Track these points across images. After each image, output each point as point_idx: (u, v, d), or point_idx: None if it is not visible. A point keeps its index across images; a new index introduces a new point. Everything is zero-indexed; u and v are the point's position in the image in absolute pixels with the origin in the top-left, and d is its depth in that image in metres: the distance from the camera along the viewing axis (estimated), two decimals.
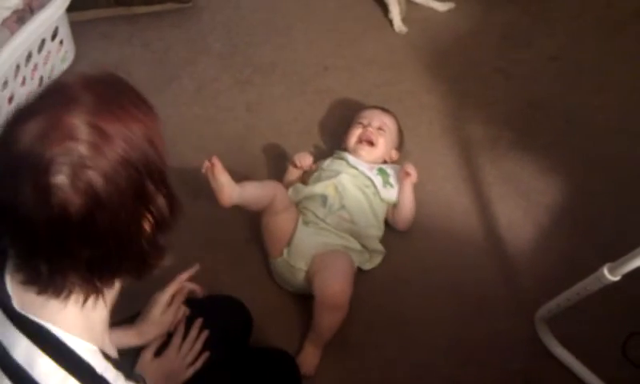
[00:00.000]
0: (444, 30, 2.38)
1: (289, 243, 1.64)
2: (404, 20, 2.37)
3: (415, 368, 1.58)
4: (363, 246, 1.70)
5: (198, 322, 1.30)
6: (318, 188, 1.73)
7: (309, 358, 1.54)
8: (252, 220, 1.75)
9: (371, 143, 1.82)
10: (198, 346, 1.28)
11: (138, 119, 0.76)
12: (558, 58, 2.29)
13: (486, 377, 1.57)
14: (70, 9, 2.05)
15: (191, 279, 1.32)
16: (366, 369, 1.58)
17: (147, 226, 0.78)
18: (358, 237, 1.69)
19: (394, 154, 1.88)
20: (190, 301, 1.33)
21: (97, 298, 0.79)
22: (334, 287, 1.52)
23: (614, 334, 1.57)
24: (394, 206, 1.77)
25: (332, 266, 1.57)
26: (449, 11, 2.44)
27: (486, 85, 2.21)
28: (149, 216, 0.77)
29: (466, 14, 2.44)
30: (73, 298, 0.77)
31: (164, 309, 1.26)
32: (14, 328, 0.76)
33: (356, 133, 1.85)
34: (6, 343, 0.76)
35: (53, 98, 0.74)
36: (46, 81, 2.08)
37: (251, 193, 1.59)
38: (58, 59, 2.11)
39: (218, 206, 1.56)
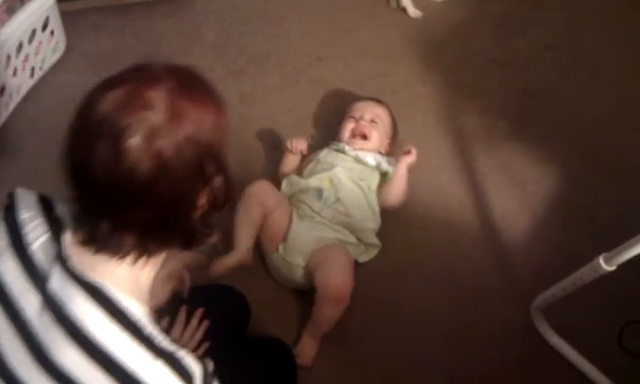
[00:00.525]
0: (439, 20, 2.37)
1: (284, 239, 1.63)
2: (398, 8, 2.36)
3: (412, 358, 1.58)
4: (359, 239, 1.69)
5: (199, 311, 1.30)
6: (314, 181, 1.72)
7: (306, 349, 1.54)
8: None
9: (364, 136, 1.81)
10: (199, 335, 1.28)
11: (210, 109, 0.83)
12: (554, 47, 2.29)
13: (482, 367, 1.57)
14: None
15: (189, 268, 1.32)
16: (362, 359, 1.57)
17: (202, 203, 0.84)
18: (354, 230, 1.69)
19: (388, 145, 1.87)
20: (191, 290, 1.32)
21: (146, 261, 0.85)
22: (337, 280, 1.53)
23: (609, 323, 1.58)
24: (385, 182, 1.76)
25: (332, 260, 1.57)
26: (444, 1, 2.43)
27: (481, 75, 2.20)
28: (205, 194, 0.84)
29: (461, 3, 2.43)
30: (127, 259, 0.83)
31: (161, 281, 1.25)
32: (71, 285, 0.82)
33: (349, 127, 1.83)
34: (63, 298, 0.81)
35: (138, 74, 0.82)
36: (37, 72, 2.06)
37: (252, 234, 1.61)
38: (49, 50, 2.09)
39: None
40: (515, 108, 2.11)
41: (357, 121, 1.83)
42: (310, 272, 1.59)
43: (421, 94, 2.13)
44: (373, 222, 1.73)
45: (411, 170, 1.76)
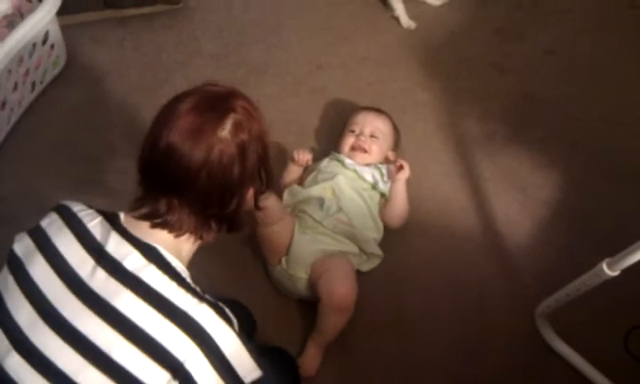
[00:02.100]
0: (438, 26, 2.37)
1: (287, 252, 1.63)
2: (394, 17, 2.36)
3: (415, 366, 1.57)
4: (361, 249, 1.69)
5: None
6: (315, 191, 1.72)
7: (310, 360, 1.53)
8: (247, 223, 1.73)
9: (364, 151, 1.81)
10: None
11: (262, 120, 1.07)
12: (553, 51, 2.28)
13: (486, 373, 1.57)
14: (60, 12, 2.03)
15: None
16: (365, 368, 1.57)
17: (251, 194, 1.07)
18: (356, 240, 1.68)
19: (391, 155, 1.87)
20: None
21: (195, 239, 1.04)
22: (342, 289, 1.53)
23: (614, 328, 1.57)
24: (385, 202, 1.76)
25: (335, 269, 1.57)
26: (442, 6, 2.43)
27: (481, 80, 2.20)
28: (258, 181, 1.06)
29: (460, 9, 2.43)
30: (182, 237, 1.02)
31: None
32: (126, 245, 0.97)
33: (348, 142, 1.83)
34: (119, 257, 0.96)
35: (217, 95, 1.05)
36: (38, 86, 2.07)
37: None
38: (50, 64, 2.09)
39: None
40: (515, 113, 2.11)
41: (357, 136, 1.83)
42: (313, 283, 1.59)
43: (421, 101, 2.13)
44: (374, 232, 1.73)
45: (411, 178, 1.75)
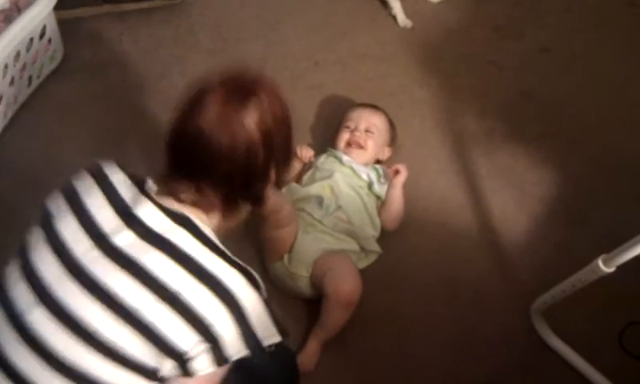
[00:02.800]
0: (436, 23, 2.37)
1: (289, 250, 1.63)
2: (391, 15, 2.36)
3: (412, 363, 1.58)
4: (361, 247, 1.69)
5: None
6: (314, 189, 1.72)
7: (311, 355, 1.54)
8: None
9: (360, 146, 1.81)
10: None
11: (285, 104, 1.08)
12: (550, 49, 2.29)
13: (483, 370, 1.57)
14: (58, 7, 2.02)
15: None
16: (363, 365, 1.57)
17: (273, 173, 1.08)
18: (356, 237, 1.68)
19: (387, 151, 1.87)
20: None
21: (222, 215, 1.06)
22: (348, 286, 1.54)
23: (610, 325, 1.58)
24: (382, 204, 1.76)
25: (340, 267, 1.58)
26: (441, 3, 2.43)
27: (479, 77, 2.20)
28: (281, 161, 1.09)
29: (458, 6, 2.43)
30: (210, 214, 1.04)
31: None
32: (156, 209, 1.00)
33: (344, 137, 1.83)
34: (149, 222, 0.99)
35: (244, 81, 1.05)
36: (35, 80, 2.06)
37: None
38: (47, 58, 2.09)
39: None
40: (513, 110, 2.11)
41: (352, 131, 1.83)
42: (315, 281, 1.59)
43: (418, 97, 2.13)
44: (372, 229, 1.73)
45: (408, 176, 1.77)
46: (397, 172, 1.74)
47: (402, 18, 2.34)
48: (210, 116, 0.99)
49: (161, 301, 0.93)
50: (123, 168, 1.08)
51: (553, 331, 1.59)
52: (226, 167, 1.01)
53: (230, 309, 0.96)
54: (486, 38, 2.33)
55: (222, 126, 0.99)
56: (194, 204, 1.02)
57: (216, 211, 1.04)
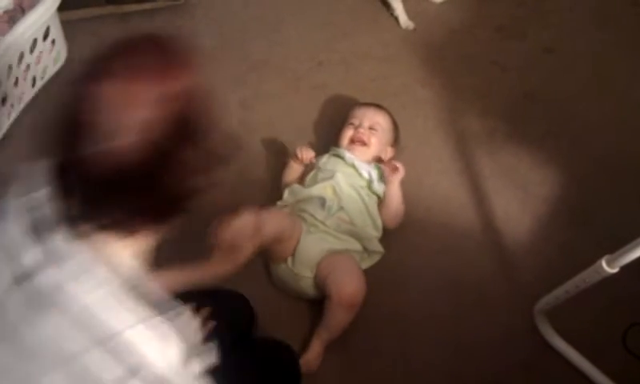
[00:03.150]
0: (439, 23, 2.37)
1: (293, 253, 1.63)
2: (393, 16, 2.36)
3: (415, 363, 1.58)
4: (364, 247, 1.70)
5: (206, 310, 1.30)
6: (316, 190, 1.72)
7: (314, 355, 1.54)
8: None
9: (363, 143, 1.81)
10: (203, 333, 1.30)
11: (191, 81, 0.85)
12: (553, 49, 2.28)
13: (486, 371, 1.57)
14: (61, 8, 2.03)
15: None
16: (365, 365, 1.57)
17: (178, 174, 0.85)
18: (359, 238, 1.69)
19: (390, 151, 1.87)
20: (195, 293, 1.34)
21: (134, 238, 0.87)
22: (351, 287, 1.54)
23: (613, 325, 1.57)
24: (381, 202, 1.76)
25: (343, 268, 1.59)
26: (443, 3, 2.43)
27: (482, 77, 2.20)
28: (181, 165, 0.84)
29: (461, 6, 2.43)
30: (115, 234, 0.85)
31: None
32: (54, 252, 0.82)
33: (348, 134, 1.83)
34: (41, 270, 0.82)
35: (120, 59, 0.84)
36: (38, 82, 2.07)
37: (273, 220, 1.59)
38: (51, 59, 2.10)
39: (212, 204, 1.54)
40: (516, 110, 2.11)
41: (355, 128, 1.83)
42: (319, 282, 1.59)
43: (421, 97, 2.13)
44: (373, 229, 1.73)
45: (411, 176, 1.76)
46: (395, 169, 1.73)
47: (404, 20, 2.34)
48: (92, 107, 0.81)
49: (62, 368, 0.79)
50: (28, 188, 0.91)
51: (556, 332, 1.59)
52: (105, 178, 0.81)
53: (136, 374, 0.79)
54: (489, 38, 2.32)
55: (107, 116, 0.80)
56: (98, 225, 0.84)
57: (124, 234, 0.85)
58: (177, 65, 0.86)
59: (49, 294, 0.80)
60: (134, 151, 0.79)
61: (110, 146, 0.79)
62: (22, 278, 0.82)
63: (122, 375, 0.78)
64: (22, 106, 2.03)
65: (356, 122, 1.85)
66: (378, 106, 1.91)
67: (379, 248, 1.72)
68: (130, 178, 0.81)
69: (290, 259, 1.63)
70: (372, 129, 1.83)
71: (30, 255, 0.83)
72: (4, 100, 1.91)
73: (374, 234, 1.73)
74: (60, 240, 0.83)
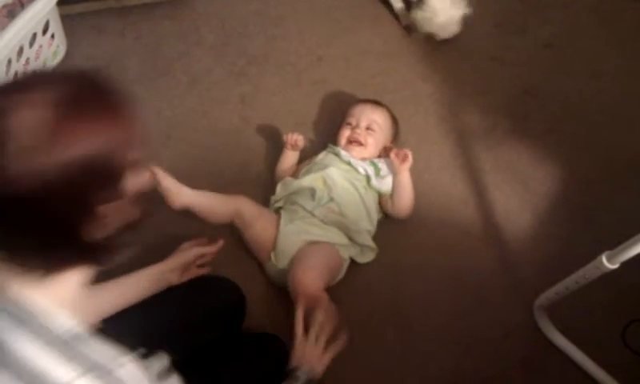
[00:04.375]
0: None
1: (274, 247, 1.63)
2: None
3: (414, 359, 1.58)
4: (352, 239, 1.68)
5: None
6: (306, 181, 1.72)
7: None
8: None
9: (360, 144, 1.81)
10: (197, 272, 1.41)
11: (103, 126, 0.76)
12: (553, 45, 2.28)
13: (485, 366, 1.57)
14: (61, 2, 2.02)
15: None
16: (364, 360, 1.57)
17: (94, 225, 0.78)
18: (347, 230, 1.68)
19: (389, 147, 1.87)
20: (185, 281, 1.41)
21: (54, 277, 0.80)
22: (301, 275, 1.50)
23: (613, 322, 1.58)
24: (391, 196, 1.76)
25: (309, 257, 1.57)
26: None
27: (482, 73, 2.20)
28: (96, 217, 0.77)
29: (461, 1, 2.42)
30: (35, 275, 0.78)
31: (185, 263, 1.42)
32: None
33: (345, 134, 1.83)
34: None
35: (25, 84, 0.75)
36: None
37: (204, 202, 1.68)
38: (50, 53, 2.09)
39: None
40: (516, 106, 2.10)
41: (352, 128, 1.83)
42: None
43: (422, 93, 2.13)
44: (367, 223, 1.72)
45: (410, 172, 1.75)
46: (404, 158, 1.72)
47: (403, 16, 2.33)
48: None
49: None
50: None
51: (556, 328, 1.59)
52: (17, 216, 0.75)
53: None
54: (489, 33, 2.32)
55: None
56: (13, 265, 0.78)
57: (43, 274, 0.79)
58: (115, 110, 0.79)
59: None
60: (50, 182, 0.72)
61: (26, 167, 0.71)
62: None
63: None
64: None
65: (353, 121, 1.84)
66: (377, 103, 1.91)
67: (370, 242, 1.71)
68: (40, 209, 0.74)
69: (272, 255, 1.63)
70: (369, 129, 1.83)
71: None
72: None
73: (368, 227, 1.72)
74: None
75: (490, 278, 1.71)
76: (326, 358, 1.35)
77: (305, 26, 2.32)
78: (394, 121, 1.91)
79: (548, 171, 1.93)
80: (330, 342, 1.36)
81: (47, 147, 0.71)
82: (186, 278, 1.43)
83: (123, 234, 0.83)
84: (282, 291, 1.63)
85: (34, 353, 0.74)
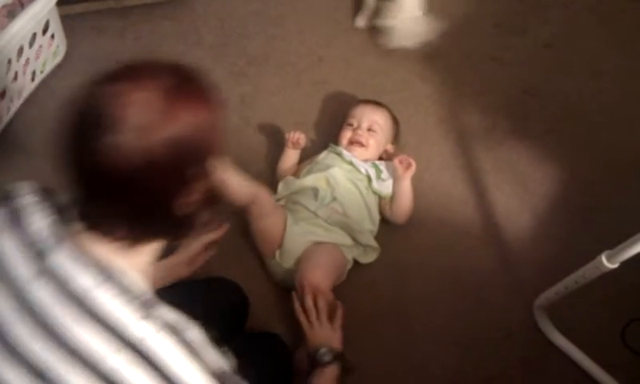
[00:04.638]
0: (438, 19, 2.36)
1: (280, 245, 1.63)
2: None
3: (415, 359, 1.58)
4: (356, 240, 1.69)
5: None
6: (309, 181, 1.72)
7: (303, 356, 1.51)
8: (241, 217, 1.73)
9: (362, 145, 1.81)
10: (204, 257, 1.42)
11: (203, 111, 0.86)
12: (553, 45, 2.28)
13: (485, 366, 1.57)
14: (60, 2, 2.02)
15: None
16: (365, 360, 1.57)
17: (187, 200, 0.87)
18: (350, 230, 1.68)
19: (390, 148, 1.87)
20: (189, 282, 1.40)
21: (141, 248, 0.89)
22: (309, 275, 1.51)
23: (613, 321, 1.58)
24: (390, 200, 1.76)
25: (315, 257, 1.58)
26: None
27: (481, 73, 2.20)
28: (190, 192, 0.86)
29: (460, 2, 2.42)
30: (121, 245, 0.87)
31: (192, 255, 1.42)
32: (77, 261, 0.84)
33: (346, 135, 1.83)
34: (69, 273, 0.84)
35: (137, 71, 0.84)
36: (38, 76, 2.06)
37: (233, 177, 1.63)
38: (50, 54, 2.09)
39: None
40: (516, 106, 2.11)
41: (354, 130, 1.83)
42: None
43: (421, 94, 2.13)
44: (370, 223, 1.73)
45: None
46: (408, 166, 1.71)
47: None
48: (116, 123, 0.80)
49: (83, 369, 0.81)
50: (46, 191, 0.95)
51: (556, 328, 1.59)
52: (115, 191, 0.83)
53: (161, 380, 0.82)
54: (488, 33, 2.32)
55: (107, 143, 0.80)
56: (103, 234, 0.86)
57: (129, 244, 0.88)
58: (210, 97, 0.88)
59: (72, 300, 0.83)
60: (151, 159, 0.81)
61: (135, 143, 0.80)
62: (48, 275, 0.84)
63: (148, 379, 0.81)
64: (21, 100, 2.02)
65: (354, 122, 1.84)
66: (378, 104, 1.91)
67: (372, 242, 1.71)
68: (138, 185, 0.83)
69: (277, 253, 1.63)
70: (370, 130, 1.83)
71: (54, 258, 0.85)
72: (3, 94, 1.91)
73: (370, 227, 1.72)
74: (77, 246, 0.86)
75: (490, 277, 1.72)
76: (338, 332, 1.45)
77: (304, 26, 2.32)
78: (395, 121, 1.91)
79: (548, 171, 1.93)
80: (332, 318, 1.46)
81: (157, 126, 0.80)
82: (194, 267, 1.43)
83: (202, 212, 0.91)
84: (283, 291, 1.63)
85: (117, 307, 0.82)
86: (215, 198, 0.92)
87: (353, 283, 1.67)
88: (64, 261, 0.85)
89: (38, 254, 0.86)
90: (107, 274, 0.85)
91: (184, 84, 0.85)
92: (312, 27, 2.32)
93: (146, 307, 0.84)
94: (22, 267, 0.86)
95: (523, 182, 1.91)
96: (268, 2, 2.40)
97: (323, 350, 1.39)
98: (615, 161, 1.95)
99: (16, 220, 0.90)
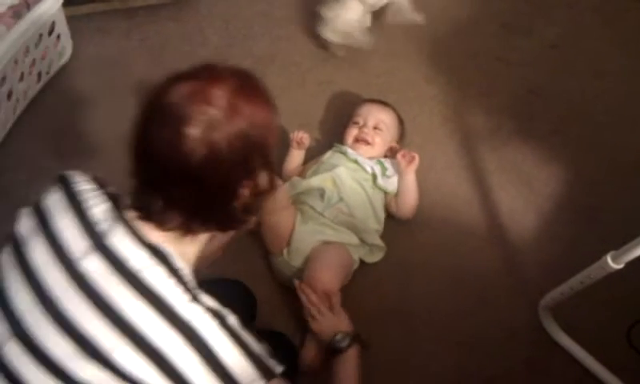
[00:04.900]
0: (444, 20, 2.37)
1: (288, 243, 1.64)
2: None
3: (419, 358, 1.58)
4: (362, 240, 1.69)
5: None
6: (315, 181, 1.72)
7: (310, 355, 1.51)
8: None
9: (367, 143, 1.81)
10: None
11: (263, 110, 0.95)
12: (558, 45, 2.28)
13: (490, 366, 1.57)
14: (66, 3, 2.03)
15: None
16: (369, 360, 1.57)
17: (245, 193, 0.94)
18: (357, 231, 1.68)
19: (395, 146, 1.87)
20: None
21: (191, 238, 0.96)
22: (319, 274, 1.52)
23: (618, 322, 1.57)
24: (395, 196, 1.76)
25: (324, 257, 1.58)
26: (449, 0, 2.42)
27: (487, 73, 2.20)
28: (248, 185, 0.94)
29: (466, 2, 2.42)
30: (173, 234, 0.94)
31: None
32: (133, 243, 0.92)
33: (352, 133, 1.84)
34: (124, 255, 0.91)
35: (206, 72, 0.93)
36: (44, 76, 2.07)
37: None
38: (56, 54, 2.10)
39: None
40: (521, 106, 2.10)
41: (360, 128, 1.84)
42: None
43: (426, 93, 2.13)
44: (375, 222, 1.73)
45: (415, 172, 1.76)
46: (411, 160, 1.73)
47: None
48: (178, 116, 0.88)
49: (131, 343, 0.87)
50: (98, 181, 1.01)
51: (560, 328, 1.59)
52: (177, 182, 0.91)
53: (204, 358, 0.89)
54: (494, 34, 2.32)
55: (169, 138, 0.88)
56: (159, 223, 0.93)
57: (182, 234, 0.95)
58: (268, 98, 0.97)
59: (126, 276, 0.89)
60: (217, 152, 0.88)
61: (204, 137, 0.87)
62: (101, 252, 0.91)
63: (192, 359, 0.88)
64: (27, 101, 2.03)
65: (360, 120, 1.85)
66: (383, 103, 1.91)
67: (378, 242, 1.72)
68: (202, 176, 0.89)
69: (285, 251, 1.64)
70: (376, 128, 1.83)
71: (110, 238, 0.91)
72: (9, 95, 1.92)
73: (376, 226, 1.73)
74: (132, 230, 0.92)
75: (495, 277, 1.71)
76: (341, 314, 1.48)
77: (309, 27, 2.32)
78: (400, 121, 1.91)
79: (553, 172, 1.93)
80: (330, 307, 1.49)
81: (226, 121, 0.88)
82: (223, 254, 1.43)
83: (255, 206, 0.98)
84: (288, 290, 1.64)
85: (168, 288, 0.89)
86: (268, 192, 0.99)
87: (358, 282, 1.67)
88: (119, 242, 0.91)
89: (93, 234, 0.92)
90: (160, 257, 0.91)
91: (247, 85, 0.94)
92: (316, 27, 2.32)
93: (192, 291, 0.91)
94: (77, 244, 0.92)
95: (528, 182, 1.91)
96: (272, 3, 2.41)
97: (338, 336, 1.41)
98: (620, 161, 1.95)
99: (73, 202, 0.96)
